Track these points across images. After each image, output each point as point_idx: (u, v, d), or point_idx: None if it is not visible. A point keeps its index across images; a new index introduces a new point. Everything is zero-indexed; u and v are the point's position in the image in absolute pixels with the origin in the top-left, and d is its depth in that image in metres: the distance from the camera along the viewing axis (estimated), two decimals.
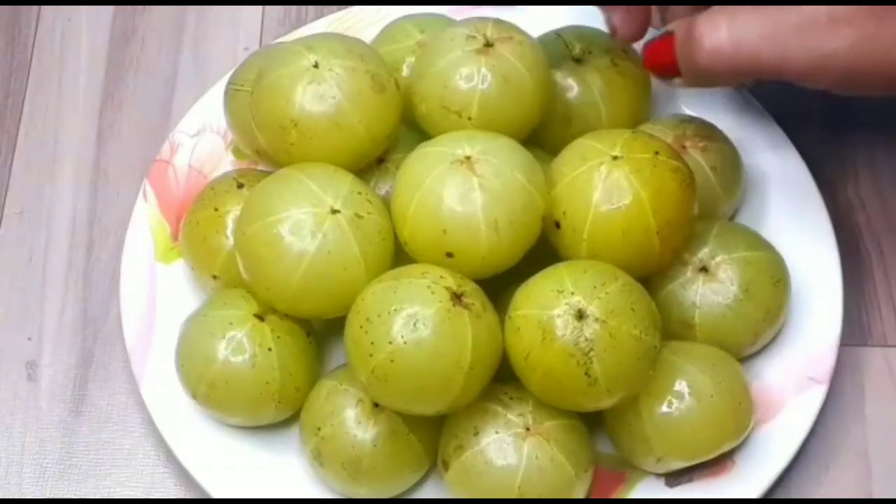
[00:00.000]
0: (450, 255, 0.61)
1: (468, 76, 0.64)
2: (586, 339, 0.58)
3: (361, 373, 0.60)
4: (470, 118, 0.64)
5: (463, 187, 0.60)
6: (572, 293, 0.59)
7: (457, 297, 0.59)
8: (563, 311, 0.59)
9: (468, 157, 0.61)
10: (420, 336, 0.58)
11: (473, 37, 0.64)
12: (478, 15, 0.67)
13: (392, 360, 0.59)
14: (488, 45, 0.64)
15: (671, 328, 0.63)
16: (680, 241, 0.63)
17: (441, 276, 0.60)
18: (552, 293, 0.59)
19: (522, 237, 0.62)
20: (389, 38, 0.70)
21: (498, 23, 0.65)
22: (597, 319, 0.59)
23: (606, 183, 0.61)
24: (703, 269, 0.65)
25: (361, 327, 0.59)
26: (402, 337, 0.58)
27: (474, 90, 0.63)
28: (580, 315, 0.59)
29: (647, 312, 0.60)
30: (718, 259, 0.65)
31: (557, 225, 0.62)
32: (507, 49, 0.64)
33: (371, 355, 0.59)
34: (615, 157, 0.62)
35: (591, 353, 0.58)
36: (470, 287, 0.60)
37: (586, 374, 0.59)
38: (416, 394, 0.60)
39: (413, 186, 0.61)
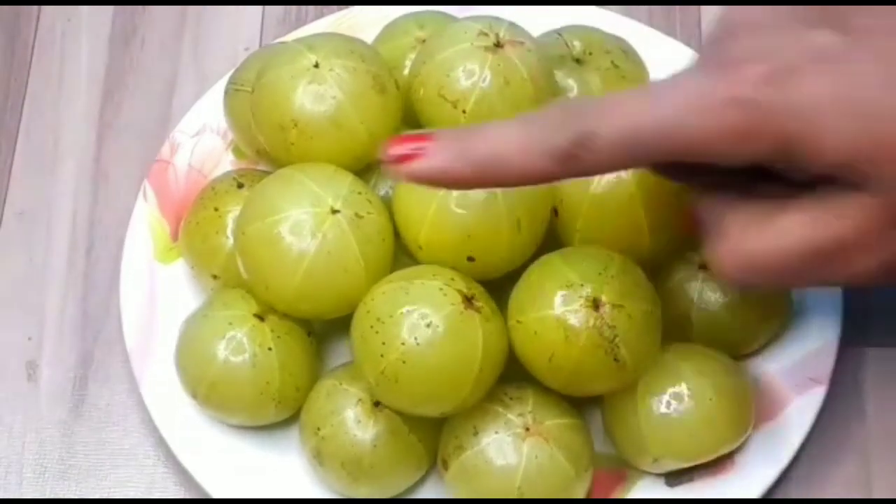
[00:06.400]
0: (471, 258, 0.61)
1: (471, 71, 0.64)
2: (609, 327, 0.59)
3: (371, 373, 0.60)
4: (464, 111, 0.64)
5: (485, 191, 0.60)
6: (581, 285, 0.59)
7: (468, 300, 0.59)
8: (580, 306, 0.59)
9: None
10: (433, 338, 0.58)
11: (485, 34, 0.64)
12: (478, 14, 0.67)
13: (404, 362, 0.59)
14: (498, 45, 0.64)
15: (669, 324, 0.63)
16: (675, 240, 0.63)
17: (452, 279, 0.60)
18: (560, 289, 0.59)
19: (539, 234, 0.62)
20: (390, 36, 0.70)
21: (513, 26, 0.65)
22: (614, 305, 0.59)
23: (604, 175, 0.61)
24: (703, 267, 0.65)
25: (372, 327, 0.59)
26: (416, 338, 0.58)
27: (474, 85, 0.63)
28: (596, 305, 0.59)
29: (647, 284, 0.61)
30: None
31: (556, 212, 0.63)
32: (515, 53, 0.64)
33: (382, 356, 0.59)
34: None
35: (617, 339, 0.59)
36: (479, 290, 0.61)
37: (615, 359, 0.59)
38: (425, 395, 0.60)
39: (429, 192, 0.61)
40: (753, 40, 0.50)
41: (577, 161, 0.50)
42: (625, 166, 0.54)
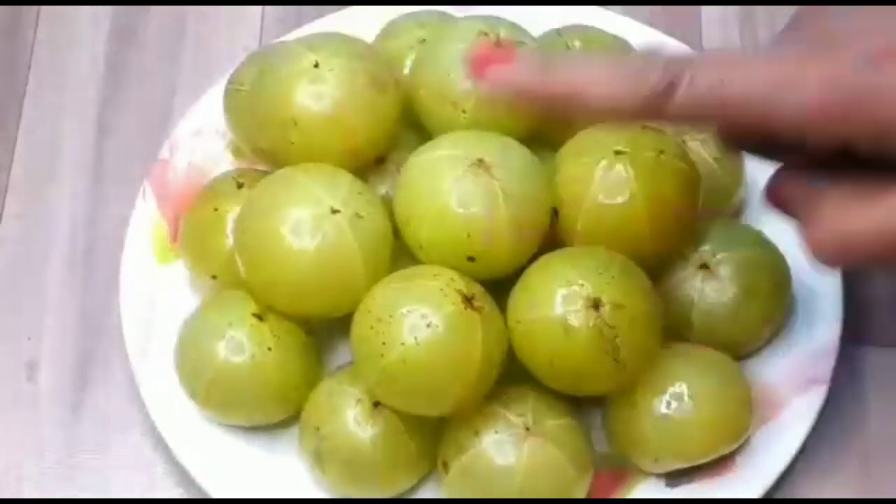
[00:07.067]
0: (471, 259, 0.61)
1: None
2: (609, 327, 0.59)
3: (371, 373, 0.60)
4: (464, 111, 0.64)
5: (487, 192, 0.60)
6: (581, 285, 0.59)
7: (468, 300, 0.59)
8: (580, 306, 0.59)
9: (482, 160, 0.61)
10: (433, 338, 0.58)
11: (486, 34, 0.64)
12: (479, 14, 0.67)
13: (404, 361, 0.59)
14: (499, 44, 0.64)
15: (669, 323, 0.63)
16: (675, 243, 0.63)
17: (452, 279, 0.60)
18: (560, 289, 0.59)
19: (538, 235, 0.62)
20: (390, 35, 0.70)
21: (513, 26, 0.65)
22: (614, 305, 0.59)
23: (605, 178, 0.61)
24: (704, 266, 0.65)
25: (372, 328, 0.59)
26: (416, 338, 0.58)
27: (475, 85, 0.63)
28: (596, 305, 0.59)
29: (648, 284, 0.61)
30: (719, 257, 0.65)
31: (556, 213, 0.62)
32: None
33: (382, 356, 0.59)
34: (618, 153, 0.62)
35: (617, 339, 0.59)
36: (479, 290, 0.61)
37: (615, 360, 0.59)
38: (425, 395, 0.60)
39: (430, 191, 0.61)
40: (848, 21, 0.49)
41: (662, 102, 0.49)
42: (705, 120, 0.53)
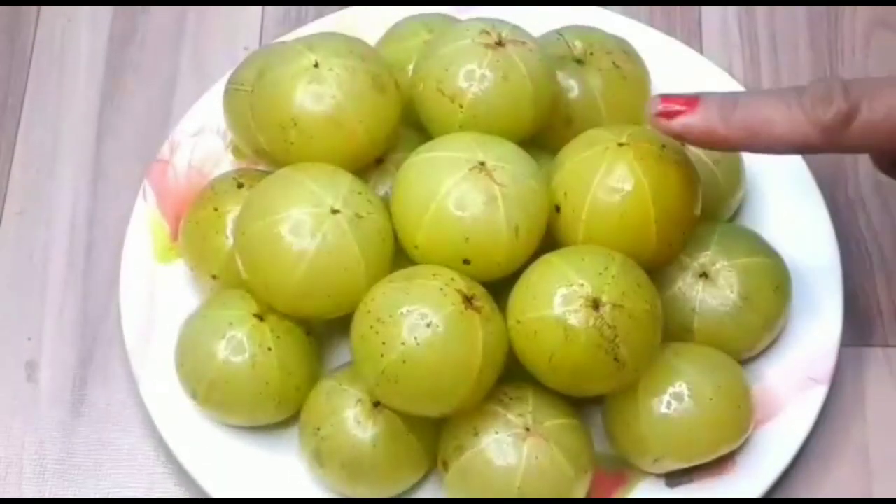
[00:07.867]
0: (467, 261, 0.61)
1: (470, 66, 0.63)
2: (609, 327, 0.59)
3: (370, 373, 0.60)
4: (461, 106, 0.63)
5: (486, 196, 0.60)
6: (581, 284, 0.59)
7: (468, 301, 0.59)
8: (580, 306, 0.59)
9: (483, 164, 0.61)
10: (433, 338, 0.58)
11: (487, 32, 0.64)
12: (479, 15, 0.67)
13: (404, 361, 0.59)
14: (500, 43, 0.64)
15: (670, 332, 0.63)
16: (677, 238, 0.63)
17: (452, 279, 0.60)
18: (560, 289, 0.59)
19: (535, 241, 0.62)
20: (397, 37, 0.70)
21: (516, 28, 0.65)
22: (614, 305, 0.59)
23: (610, 167, 0.61)
24: (704, 275, 0.65)
25: (371, 327, 0.59)
26: (416, 338, 0.58)
27: (472, 81, 0.63)
28: (596, 305, 0.59)
29: (647, 283, 0.61)
30: (719, 265, 0.65)
31: (558, 209, 0.62)
32: (516, 52, 0.64)
33: (382, 356, 0.59)
34: (621, 144, 0.62)
35: (617, 339, 0.59)
36: (479, 290, 0.61)
37: (615, 359, 0.59)
38: (425, 395, 0.60)
39: (429, 193, 0.61)
40: None
41: (840, 130, 0.53)
42: (883, 147, 0.56)
